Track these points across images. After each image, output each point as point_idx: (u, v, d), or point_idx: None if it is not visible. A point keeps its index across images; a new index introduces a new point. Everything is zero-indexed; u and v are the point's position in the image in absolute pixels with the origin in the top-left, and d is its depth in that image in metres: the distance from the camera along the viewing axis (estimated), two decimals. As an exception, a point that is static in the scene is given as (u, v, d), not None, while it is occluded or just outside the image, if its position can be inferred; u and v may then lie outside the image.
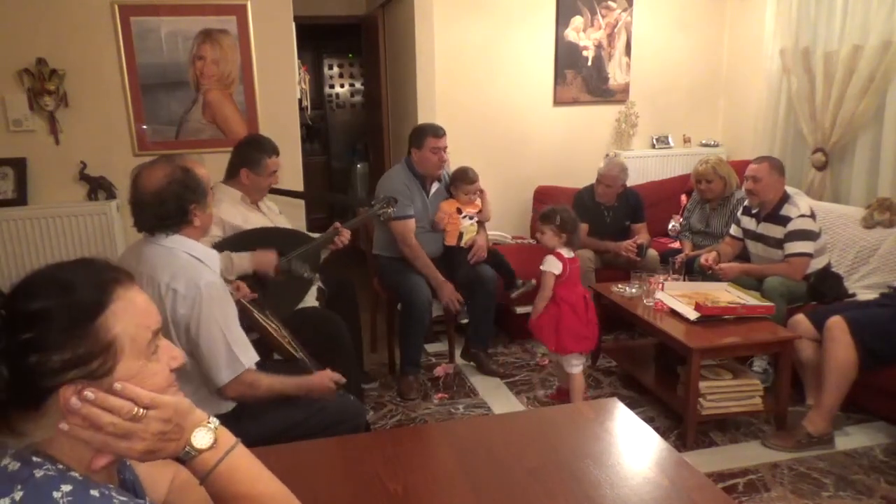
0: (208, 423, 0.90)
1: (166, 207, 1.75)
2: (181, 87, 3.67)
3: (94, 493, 0.79)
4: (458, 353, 3.67)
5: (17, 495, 0.75)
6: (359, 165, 6.83)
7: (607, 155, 4.39)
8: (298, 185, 3.89)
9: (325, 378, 1.95)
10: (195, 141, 3.73)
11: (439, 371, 3.51)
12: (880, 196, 3.53)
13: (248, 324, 2.01)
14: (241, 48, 3.70)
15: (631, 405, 2.21)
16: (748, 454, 2.66)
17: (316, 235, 2.85)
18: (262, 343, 2.08)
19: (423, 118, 4.17)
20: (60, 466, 0.80)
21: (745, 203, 3.41)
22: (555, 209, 2.88)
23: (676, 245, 4.06)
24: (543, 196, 4.35)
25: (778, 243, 3.19)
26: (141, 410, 0.82)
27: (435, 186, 3.46)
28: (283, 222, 2.89)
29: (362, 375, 3.24)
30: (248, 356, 1.81)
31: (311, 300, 2.79)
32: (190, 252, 1.79)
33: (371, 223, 3.54)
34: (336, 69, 7.58)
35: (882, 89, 3.60)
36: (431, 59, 4.23)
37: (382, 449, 1.47)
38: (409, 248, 3.30)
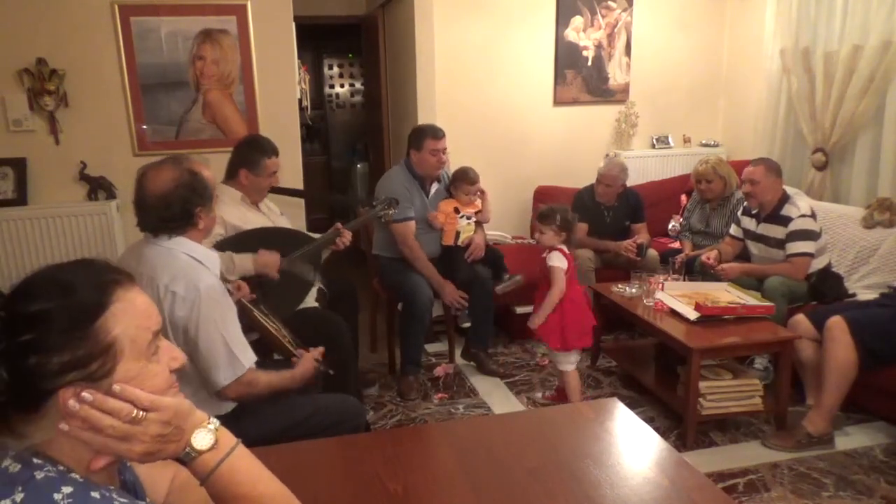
0: (208, 424, 0.89)
1: (171, 210, 1.75)
2: (181, 87, 3.67)
3: (95, 494, 0.79)
4: (458, 353, 3.67)
5: (18, 497, 0.75)
6: (359, 165, 6.83)
7: (607, 155, 4.39)
8: (298, 185, 3.88)
9: (308, 359, 1.99)
10: (195, 141, 3.72)
11: (439, 371, 3.51)
12: (880, 196, 3.53)
13: (247, 324, 2.01)
14: (241, 48, 3.70)
15: (631, 405, 2.21)
16: (748, 454, 2.66)
17: (317, 236, 2.85)
18: (262, 343, 2.09)
19: (423, 118, 4.17)
20: (61, 468, 0.80)
21: (745, 203, 3.41)
22: (553, 208, 2.88)
23: (676, 245, 4.06)
24: (543, 196, 4.35)
25: (779, 244, 3.19)
26: (140, 413, 0.82)
27: (434, 187, 3.46)
28: (283, 223, 2.89)
29: (361, 378, 3.23)
30: (247, 357, 1.82)
31: (311, 301, 2.79)
32: (190, 254, 1.79)
33: (371, 224, 3.55)
34: (336, 69, 7.58)
35: (882, 89, 3.60)
36: (431, 59, 4.23)
37: (382, 449, 1.47)
38: (409, 249, 3.31)
